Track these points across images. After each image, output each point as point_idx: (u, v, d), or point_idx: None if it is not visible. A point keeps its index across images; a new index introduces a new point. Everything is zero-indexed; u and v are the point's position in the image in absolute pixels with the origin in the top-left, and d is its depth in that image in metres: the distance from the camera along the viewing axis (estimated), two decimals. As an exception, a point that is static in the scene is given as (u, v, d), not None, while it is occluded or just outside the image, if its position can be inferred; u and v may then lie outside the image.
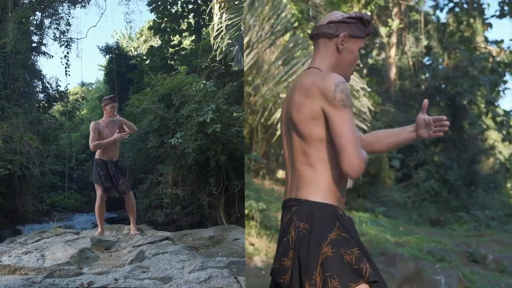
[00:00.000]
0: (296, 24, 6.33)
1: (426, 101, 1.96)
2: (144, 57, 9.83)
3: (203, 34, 8.98)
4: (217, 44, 6.73)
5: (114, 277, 3.75)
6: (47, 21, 8.88)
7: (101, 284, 3.63)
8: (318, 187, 1.77)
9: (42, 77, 8.72)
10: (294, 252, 1.74)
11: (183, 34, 9.58)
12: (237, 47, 6.71)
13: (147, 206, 7.49)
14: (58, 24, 8.85)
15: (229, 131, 6.82)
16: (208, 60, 8.03)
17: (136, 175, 7.91)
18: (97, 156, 5.66)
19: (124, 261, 4.37)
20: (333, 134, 1.71)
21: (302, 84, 1.81)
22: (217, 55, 6.95)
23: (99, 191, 5.54)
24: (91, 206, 5.93)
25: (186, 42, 9.77)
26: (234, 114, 7.05)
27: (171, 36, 9.52)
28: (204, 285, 3.57)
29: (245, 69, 7.07)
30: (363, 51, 13.83)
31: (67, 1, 9.08)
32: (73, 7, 9.09)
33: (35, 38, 8.72)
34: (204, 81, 7.19)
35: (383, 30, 14.53)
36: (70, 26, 8.88)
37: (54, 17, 8.88)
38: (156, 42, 10.11)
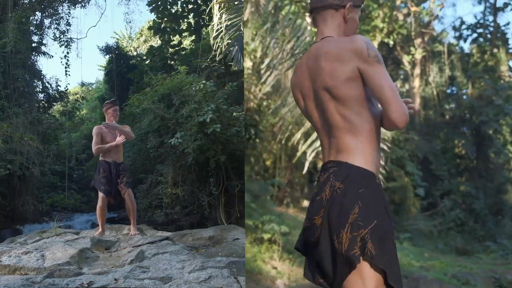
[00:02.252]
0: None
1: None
2: (144, 57, 9.83)
3: (203, 34, 8.98)
4: (217, 44, 6.73)
5: (114, 277, 3.75)
6: (47, 21, 8.89)
7: (101, 284, 3.63)
8: (359, 152, 1.80)
9: (42, 77, 8.72)
10: (325, 211, 1.78)
11: (183, 34, 9.58)
12: (236, 47, 6.70)
13: (147, 206, 7.49)
14: (58, 24, 8.86)
15: (229, 131, 6.82)
16: (208, 60, 8.03)
17: (136, 175, 7.91)
18: (101, 157, 5.65)
19: (124, 261, 4.37)
20: (375, 89, 1.74)
21: (328, 51, 1.83)
22: (217, 55, 6.95)
23: (100, 194, 5.52)
24: (91, 206, 5.92)
25: (186, 42, 9.77)
26: (234, 114, 7.05)
27: (171, 36, 9.52)
28: (204, 285, 3.57)
29: (264, 91, 7.11)
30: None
31: (67, 1, 9.09)
32: (73, 7, 9.10)
33: (35, 38, 8.72)
34: (204, 81, 7.19)
35: (406, 59, 14.55)
36: (70, 26, 8.89)
37: (54, 17, 8.88)
38: (156, 42, 10.11)
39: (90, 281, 3.67)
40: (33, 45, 8.53)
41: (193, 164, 6.90)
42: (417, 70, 14.87)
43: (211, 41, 6.94)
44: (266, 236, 7.43)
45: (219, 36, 6.65)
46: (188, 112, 6.74)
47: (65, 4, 9.03)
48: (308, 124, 6.67)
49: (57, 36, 8.77)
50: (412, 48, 14.51)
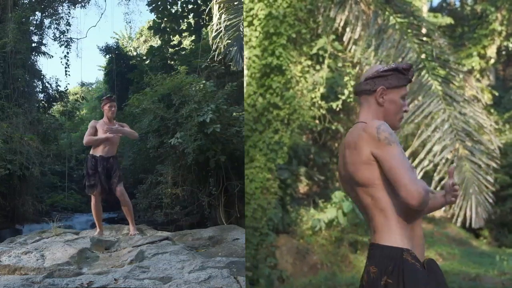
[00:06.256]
0: (421, 65, 6.46)
1: (452, 167, 1.99)
2: (144, 57, 9.83)
3: (203, 34, 8.98)
4: (216, 44, 6.74)
5: (114, 277, 3.76)
6: (47, 21, 8.88)
7: (101, 284, 3.64)
8: (386, 230, 1.84)
9: (42, 77, 8.72)
10: None
11: (183, 34, 9.58)
12: (236, 47, 6.71)
13: (147, 206, 7.49)
14: (58, 24, 8.85)
15: (229, 131, 6.83)
16: (208, 60, 8.03)
17: (136, 175, 7.91)
18: (90, 152, 5.59)
19: (124, 261, 4.38)
20: (386, 170, 1.80)
21: (348, 142, 1.94)
22: (216, 56, 6.96)
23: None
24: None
25: (186, 42, 9.77)
26: (234, 114, 7.05)
27: (171, 36, 9.52)
28: (204, 285, 3.58)
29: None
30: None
31: (67, 1, 9.09)
32: (73, 7, 9.10)
33: (35, 38, 8.72)
34: (204, 81, 7.19)
35: (524, 62, 14.30)
36: (70, 26, 8.88)
37: (54, 17, 8.88)
38: (156, 42, 10.11)
39: (90, 281, 3.68)
40: (33, 45, 8.53)
41: (193, 164, 6.91)
42: (536, 68, 14.41)
43: (211, 41, 6.95)
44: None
45: (219, 36, 6.65)
46: (188, 112, 6.74)
47: (65, 4, 9.03)
48: (416, 143, 6.65)
49: (57, 36, 8.77)
50: (529, 52, 14.15)
